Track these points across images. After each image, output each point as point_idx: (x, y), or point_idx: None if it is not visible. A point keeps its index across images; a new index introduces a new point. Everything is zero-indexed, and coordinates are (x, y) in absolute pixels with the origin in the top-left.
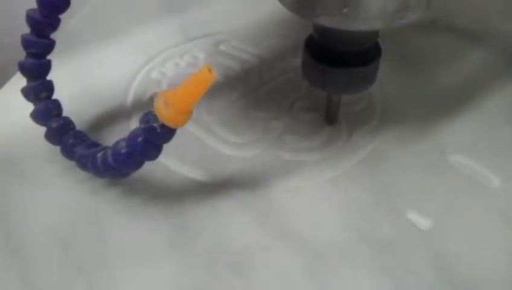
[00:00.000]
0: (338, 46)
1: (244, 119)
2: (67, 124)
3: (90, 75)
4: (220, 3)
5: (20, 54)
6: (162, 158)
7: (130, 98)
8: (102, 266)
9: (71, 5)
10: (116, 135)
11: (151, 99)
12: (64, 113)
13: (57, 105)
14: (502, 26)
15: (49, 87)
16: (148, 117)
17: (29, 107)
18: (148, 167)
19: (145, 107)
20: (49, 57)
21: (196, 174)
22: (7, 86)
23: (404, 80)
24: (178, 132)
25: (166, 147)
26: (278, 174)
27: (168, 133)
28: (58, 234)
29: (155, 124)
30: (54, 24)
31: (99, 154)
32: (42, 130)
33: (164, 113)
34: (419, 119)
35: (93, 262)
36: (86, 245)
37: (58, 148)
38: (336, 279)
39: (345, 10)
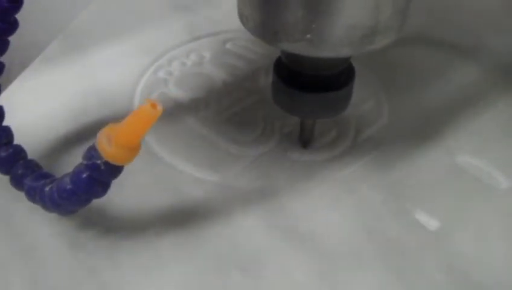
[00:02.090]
0: (307, 70)
1: (252, 118)
2: (18, 152)
3: (96, 74)
4: (226, 1)
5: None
6: (170, 158)
7: (136, 98)
8: (112, 267)
9: (75, 4)
10: None
11: None
12: (71, 114)
13: (7, 132)
14: (494, 40)
15: None
16: (91, 153)
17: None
18: (155, 166)
19: None
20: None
21: (204, 174)
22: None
23: (407, 86)
24: (186, 131)
25: (174, 147)
26: (286, 174)
27: (113, 170)
28: (68, 235)
29: (98, 161)
30: (1, 47)
31: (47, 188)
32: (47, 131)
33: (107, 150)
34: (426, 121)
35: (103, 264)
36: (95, 246)
37: None
38: (345, 280)
39: (308, 36)
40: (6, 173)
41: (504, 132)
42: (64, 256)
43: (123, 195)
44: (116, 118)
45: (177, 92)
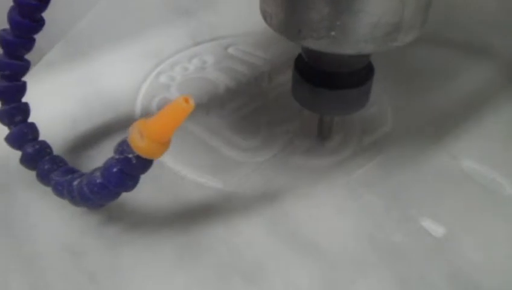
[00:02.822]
0: (328, 67)
1: (254, 123)
2: (44, 148)
3: (98, 79)
4: (228, 7)
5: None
6: (172, 163)
7: (139, 102)
8: (113, 274)
9: (77, 10)
10: None
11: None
12: (73, 118)
13: (33, 128)
14: (501, 44)
15: (25, 110)
16: (123, 148)
17: (34, 113)
18: (158, 173)
19: (153, 112)
20: (24, 78)
21: (206, 179)
22: None
23: (412, 90)
24: (188, 137)
25: (176, 153)
26: (289, 180)
27: (144, 164)
28: (68, 241)
29: (130, 155)
30: (28, 45)
31: (75, 182)
32: (49, 136)
33: (139, 144)
34: (430, 126)
35: (104, 270)
36: (96, 253)
37: None
38: (348, 287)
39: (332, 33)
40: (33, 168)
41: (509, 138)
42: (64, 262)
43: (125, 201)
44: (119, 123)
45: None
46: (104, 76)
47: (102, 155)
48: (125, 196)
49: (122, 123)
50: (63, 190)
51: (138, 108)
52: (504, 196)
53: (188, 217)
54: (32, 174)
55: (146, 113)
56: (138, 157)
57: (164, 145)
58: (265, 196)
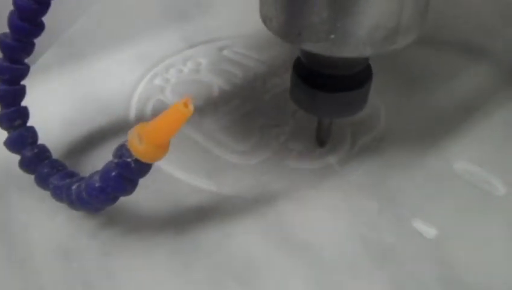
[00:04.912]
0: (327, 70)
1: (248, 126)
2: (43, 152)
3: (93, 82)
4: (223, 9)
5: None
6: (166, 166)
7: (133, 105)
8: (107, 278)
9: (71, 12)
10: (119, 142)
11: None
12: (67, 121)
13: (32, 132)
14: (495, 46)
15: (24, 114)
16: (122, 151)
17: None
18: (151, 175)
19: (148, 114)
20: (23, 82)
21: (200, 182)
22: None
23: (405, 91)
24: (182, 139)
25: (170, 155)
26: (283, 183)
27: (143, 168)
28: (62, 245)
29: (129, 159)
30: (28, 49)
31: (74, 187)
32: (43, 138)
33: (138, 148)
34: (423, 127)
35: (98, 274)
36: (91, 257)
37: None
38: (341, 289)
39: (332, 36)
40: (32, 172)
41: (502, 139)
42: (58, 266)
43: (118, 204)
44: (113, 126)
45: (173, 99)
46: (98, 78)
47: (97, 158)
48: (119, 199)
49: (117, 126)
50: (61, 194)
51: (133, 110)
52: (496, 197)
53: (181, 220)
54: (29, 178)
55: (141, 115)
56: (137, 161)
57: (163, 149)
58: (259, 199)
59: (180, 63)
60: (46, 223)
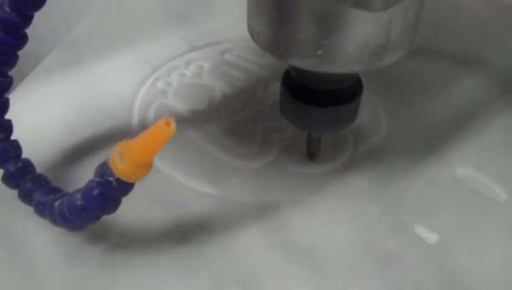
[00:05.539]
0: (316, 85)
1: (250, 130)
2: (26, 166)
3: (95, 85)
4: (225, 12)
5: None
6: (168, 170)
7: (135, 108)
8: (110, 284)
9: (72, 15)
10: None
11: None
12: (69, 125)
13: (16, 146)
14: (494, 53)
15: (7, 127)
16: (104, 170)
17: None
18: (154, 179)
19: (151, 118)
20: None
21: (202, 186)
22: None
23: (406, 99)
24: (184, 143)
25: (172, 159)
26: (285, 187)
27: (125, 187)
28: (64, 252)
29: (110, 178)
30: (10, 61)
31: (56, 203)
32: (44, 143)
33: (119, 167)
34: (424, 134)
35: (101, 280)
36: (93, 263)
37: None
38: None
39: (319, 52)
40: (15, 187)
41: (503, 145)
42: (62, 274)
43: (121, 208)
44: (116, 130)
45: (176, 103)
46: (100, 82)
47: (100, 162)
48: (120, 203)
49: (120, 130)
50: (44, 210)
51: (135, 114)
52: (497, 203)
53: (183, 224)
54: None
55: (144, 119)
56: (119, 180)
57: (145, 168)
58: (261, 203)
59: (183, 67)
60: (48, 229)
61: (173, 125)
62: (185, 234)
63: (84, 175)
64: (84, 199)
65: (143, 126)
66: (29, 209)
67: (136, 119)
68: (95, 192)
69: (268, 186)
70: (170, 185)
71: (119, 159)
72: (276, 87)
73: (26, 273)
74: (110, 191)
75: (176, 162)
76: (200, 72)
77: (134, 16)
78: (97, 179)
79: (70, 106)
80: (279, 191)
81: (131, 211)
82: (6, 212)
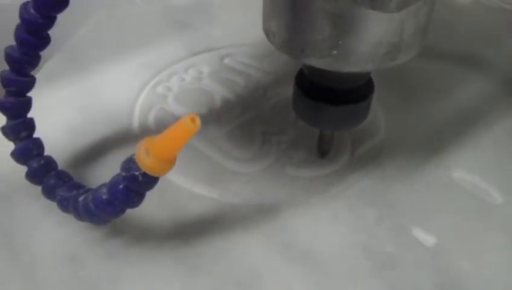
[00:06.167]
0: (330, 84)
1: (249, 134)
2: (49, 163)
3: (95, 90)
4: (225, 17)
5: None
6: (168, 174)
7: (136, 113)
8: (113, 284)
9: (74, 20)
10: (122, 150)
11: None
12: (70, 129)
13: (38, 144)
14: (494, 56)
15: (30, 125)
16: (130, 165)
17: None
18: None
19: (151, 122)
20: (29, 94)
21: (202, 189)
22: None
23: (405, 101)
24: (184, 146)
25: None
26: (284, 190)
27: (150, 181)
28: (68, 254)
29: (136, 173)
30: (33, 61)
31: (80, 198)
32: (46, 147)
33: (145, 162)
34: (423, 137)
35: (104, 281)
36: (94, 262)
37: None
38: None
39: (334, 52)
40: (38, 183)
41: (500, 148)
42: (64, 275)
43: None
44: (116, 134)
45: (176, 108)
46: (101, 86)
47: (101, 166)
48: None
49: (120, 134)
50: (68, 205)
51: (136, 119)
52: (495, 206)
53: (184, 227)
54: (35, 187)
55: (144, 124)
56: (144, 174)
57: (170, 163)
58: (261, 206)
59: (183, 72)
60: (52, 231)
61: (198, 121)
62: (186, 236)
63: (85, 178)
64: (110, 193)
65: (143, 130)
66: (30, 210)
67: (136, 123)
68: (121, 186)
69: (267, 189)
70: (170, 188)
71: (145, 154)
72: (275, 92)
73: (26, 274)
74: (136, 185)
75: (176, 165)
76: (199, 76)
77: (134, 22)
78: (123, 174)
79: (70, 111)
80: (279, 193)
81: (132, 214)
82: (6, 212)
